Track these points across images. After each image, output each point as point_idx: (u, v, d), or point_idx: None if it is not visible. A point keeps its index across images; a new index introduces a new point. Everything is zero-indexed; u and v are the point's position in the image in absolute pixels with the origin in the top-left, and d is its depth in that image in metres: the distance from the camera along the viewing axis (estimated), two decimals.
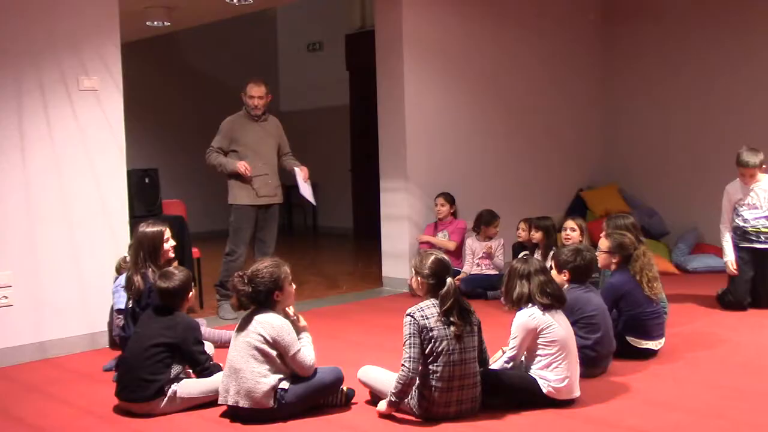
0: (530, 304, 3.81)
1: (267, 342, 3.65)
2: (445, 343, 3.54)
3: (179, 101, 11.53)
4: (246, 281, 3.74)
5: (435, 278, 3.65)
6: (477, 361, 3.69)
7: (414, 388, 3.62)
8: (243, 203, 6.09)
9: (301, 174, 6.24)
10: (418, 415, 3.63)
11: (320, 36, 12.21)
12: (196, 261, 6.46)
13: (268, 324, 3.68)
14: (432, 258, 3.70)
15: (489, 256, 6.81)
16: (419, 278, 3.71)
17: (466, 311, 3.68)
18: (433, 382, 3.56)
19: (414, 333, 3.55)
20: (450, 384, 3.56)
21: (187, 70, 11.80)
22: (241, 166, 5.96)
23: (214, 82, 11.61)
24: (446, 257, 3.79)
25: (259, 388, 3.61)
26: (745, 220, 5.81)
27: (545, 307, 3.79)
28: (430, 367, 3.56)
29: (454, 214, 7.07)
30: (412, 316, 3.58)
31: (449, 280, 3.65)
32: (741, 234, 5.85)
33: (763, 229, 5.76)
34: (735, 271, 5.84)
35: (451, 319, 3.58)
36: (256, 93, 6.11)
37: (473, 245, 6.88)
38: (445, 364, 3.54)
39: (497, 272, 6.71)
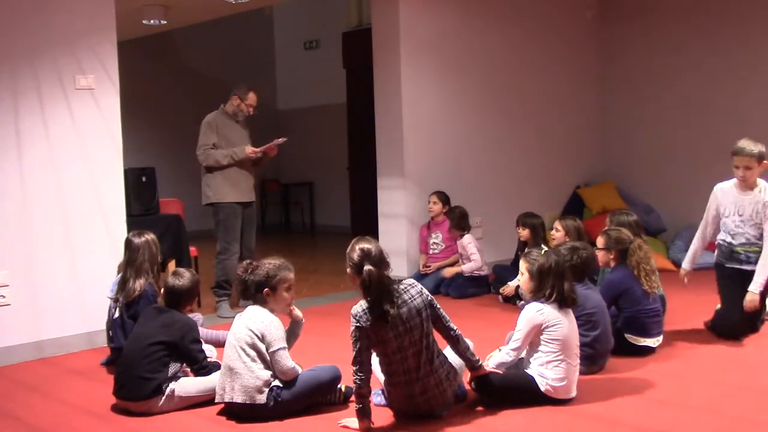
0: (545, 300, 3.78)
1: (257, 337, 3.67)
2: (391, 344, 3.44)
3: (176, 100, 11.51)
4: (248, 270, 3.82)
5: (358, 268, 3.43)
6: (432, 347, 3.52)
7: (383, 385, 3.62)
8: (231, 200, 6.16)
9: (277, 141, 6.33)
10: (394, 410, 3.64)
11: (317, 34, 12.21)
12: (194, 260, 6.46)
13: (257, 319, 3.71)
14: (358, 246, 3.48)
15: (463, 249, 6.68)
16: (349, 271, 3.50)
17: (396, 297, 3.42)
18: (393, 378, 3.53)
19: (358, 337, 3.41)
20: (408, 377, 3.49)
21: (184, 69, 11.78)
22: (249, 149, 6.12)
23: (211, 81, 11.59)
24: (373, 246, 3.49)
25: (253, 382, 3.62)
26: (733, 236, 4.95)
27: (566, 306, 3.79)
28: (384, 366, 3.54)
29: (447, 214, 6.99)
30: (355, 319, 3.41)
31: (366, 267, 3.39)
32: (728, 252, 5.02)
33: (754, 249, 4.88)
34: (686, 283, 5.28)
35: (384, 309, 3.35)
36: (254, 102, 6.29)
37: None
38: (398, 361, 3.47)
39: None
